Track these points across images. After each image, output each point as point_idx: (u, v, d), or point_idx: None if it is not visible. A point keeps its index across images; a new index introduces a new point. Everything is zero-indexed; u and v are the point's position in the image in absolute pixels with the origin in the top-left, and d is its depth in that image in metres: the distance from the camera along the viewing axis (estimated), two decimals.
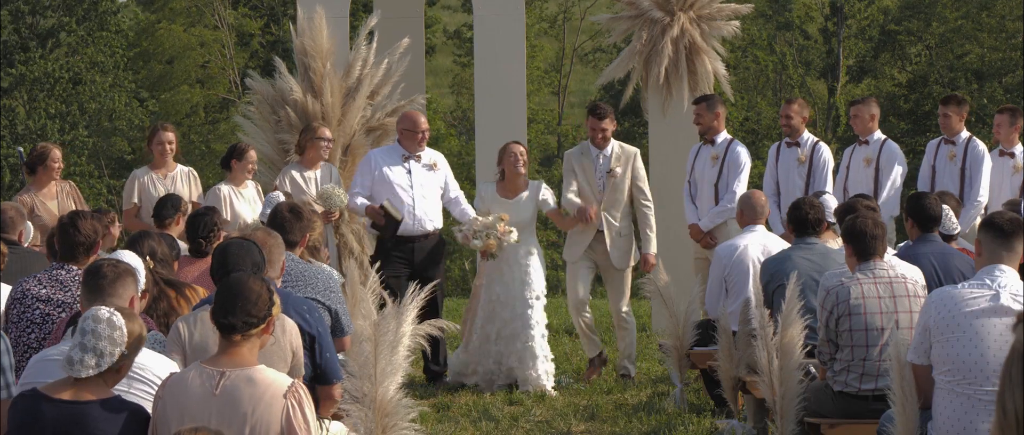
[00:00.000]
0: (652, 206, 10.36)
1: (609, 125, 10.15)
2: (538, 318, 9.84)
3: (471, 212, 10.09)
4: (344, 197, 10.07)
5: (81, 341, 4.61)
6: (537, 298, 9.86)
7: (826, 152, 10.64)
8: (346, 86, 11.80)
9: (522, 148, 10.05)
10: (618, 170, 10.13)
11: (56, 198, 10.30)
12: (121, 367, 4.69)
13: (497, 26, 12.13)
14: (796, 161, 10.58)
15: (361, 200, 9.96)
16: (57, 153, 10.50)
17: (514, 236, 9.69)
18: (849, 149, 10.81)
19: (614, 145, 10.24)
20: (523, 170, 9.97)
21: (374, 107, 11.96)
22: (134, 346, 4.72)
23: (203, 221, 8.07)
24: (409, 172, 10.02)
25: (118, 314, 4.69)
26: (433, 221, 10.06)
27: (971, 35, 36.88)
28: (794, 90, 38.36)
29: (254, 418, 4.60)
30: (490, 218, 9.74)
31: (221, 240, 7.46)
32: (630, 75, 12.61)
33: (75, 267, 6.53)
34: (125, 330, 4.65)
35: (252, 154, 10.54)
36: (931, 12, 37.85)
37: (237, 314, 4.73)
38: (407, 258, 9.90)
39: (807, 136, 10.72)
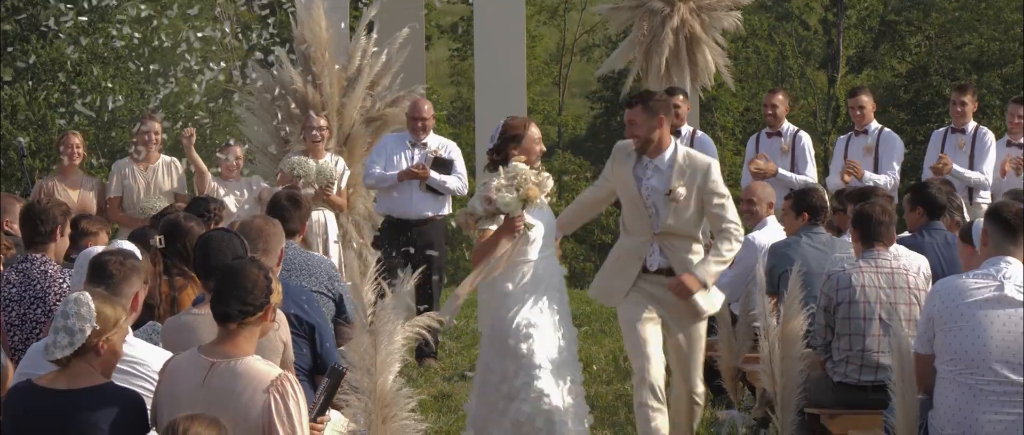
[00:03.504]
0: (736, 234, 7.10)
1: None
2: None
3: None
4: (336, 171, 10.32)
5: (53, 326, 4.59)
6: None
7: (807, 139, 10.88)
8: (346, 76, 11.79)
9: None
10: (680, 190, 6.95)
11: (79, 187, 10.30)
12: (100, 347, 4.60)
13: (497, 16, 12.10)
14: (779, 150, 10.71)
15: (379, 169, 10.29)
16: (72, 139, 10.49)
17: (550, 183, 6.96)
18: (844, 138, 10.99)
19: (679, 149, 7.05)
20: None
21: (374, 97, 11.94)
22: (110, 327, 4.63)
23: (206, 205, 7.98)
24: (412, 159, 10.36)
25: (84, 293, 4.65)
26: (433, 208, 10.40)
27: (970, 25, 36.83)
28: (794, 81, 38.32)
29: (236, 409, 4.54)
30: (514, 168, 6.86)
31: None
32: (630, 66, 12.59)
33: (39, 255, 6.51)
34: (92, 305, 4.59)
35: (233, 150, 10.59)
36: (930, 2, 37.79)
37: (232, 303, 4.66)
38: (408, 243, 10.03)
39: (787, 125, 10.92)
